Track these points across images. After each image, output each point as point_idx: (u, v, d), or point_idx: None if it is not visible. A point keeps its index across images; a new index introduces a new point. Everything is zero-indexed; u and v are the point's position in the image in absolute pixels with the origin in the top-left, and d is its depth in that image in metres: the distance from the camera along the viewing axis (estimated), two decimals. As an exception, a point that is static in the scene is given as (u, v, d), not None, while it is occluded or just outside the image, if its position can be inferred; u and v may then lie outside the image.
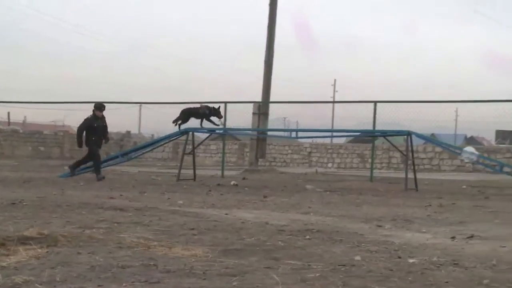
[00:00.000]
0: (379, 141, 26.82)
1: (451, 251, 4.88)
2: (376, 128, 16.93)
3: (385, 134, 15.04)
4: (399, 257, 4.55)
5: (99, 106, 14.89)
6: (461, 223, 6.98)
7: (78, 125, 14.87)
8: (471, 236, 5.77)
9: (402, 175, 13.98)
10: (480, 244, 5.32)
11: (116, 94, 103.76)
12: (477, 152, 13.01)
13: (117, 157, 16.57)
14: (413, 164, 13.92)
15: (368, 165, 26.33)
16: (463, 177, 19.69)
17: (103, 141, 14.82)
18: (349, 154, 31.49)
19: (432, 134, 30.91)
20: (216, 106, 15.81)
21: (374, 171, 18.10)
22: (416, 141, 16.61)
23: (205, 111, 15.55)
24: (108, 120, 14.81)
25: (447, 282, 3.74)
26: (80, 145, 14.71)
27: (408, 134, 13.47)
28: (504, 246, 5.17)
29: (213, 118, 15.59)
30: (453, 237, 5.71)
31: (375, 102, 17.72)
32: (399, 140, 21.21)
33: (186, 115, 15.70)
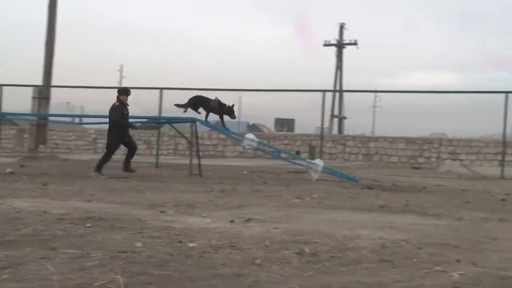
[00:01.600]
0: (166, 128, 27.08)
1: (229, 234, 5.14)
2: (163, 115, 17.08)
3: (170, 121, 15.22)
4: (180, 242, 4.68)
5: (126, 90, 12.78)
6: (240, 207, 7.36)
7: (114, 117, 12.42)
8: (249, 219, 6.12)
9: (187, 161, 14.28)
10: (256, 227, 5.67)
11: None
12: (257, 139, 13.77)
13: None
14: (198, 150, 14.30)
15: (154, 152, 26.47)
16: (245, 163, 20.77)
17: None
18: (135, 141, 31.31)
19: (217, 122, 31.97)
20: (230, 104, 14.20)
21: (161, 157, 18.26)
22: (203, 128, 17.07)
23: (215, 106, 13.94)
24: None
25: (223, 264, 3.94)
26: (134, 126, 12.96)
27: (193, 121, 13.80)
28: (277, 228, 5.58)
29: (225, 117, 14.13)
30: (232, 221, 6.01)
31: (161, 89, 17.85)
32: (186, 127, 21.65)
33: (195, 103, 14.13)
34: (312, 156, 21.93)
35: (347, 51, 52.64)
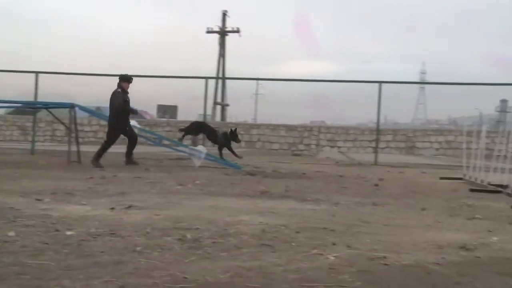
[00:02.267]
0: (43, 113, 25.92)
1: (109, 222, 5.03)
2: (39, 100, 16.33)
3: (47, 106, 14.59)
4: (57, 230, 4.52)
5: (128, 78, 12.36)
6: (121, 194, 7.22)
7: (117, 103, 12.05)
8: (130, 206, 6.02)
9: (66, 148, 13.76)
10: (137, 214, 5.60)
11: None
12: (139, 126, 13.55)
13: None
14: (77, 137, 13.83)
15: (30, 138, 25.28)
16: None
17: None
18: (9, 126, 29.70)
19: (98, 108, 31.02)
20: (232, 128, 13.69)
21: (37, 144, 17.45)
22: (82, 114, 16.52)
23: (221, 137, 13.41)
24: None
25: (103, 251, 3.85)
26: (134, 112, 12.56)
27: (72, 106, 13.30)
28: (159, 215, 5.54)
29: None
30: (112, 208, 5.88)
31: (37, 73, 17.04)
32: (65, 113, 20.82)
33: (197, 128, 13.86)
34: (194, 143, 21.91)
35: (230, 38, 52.91)
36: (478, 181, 10.31)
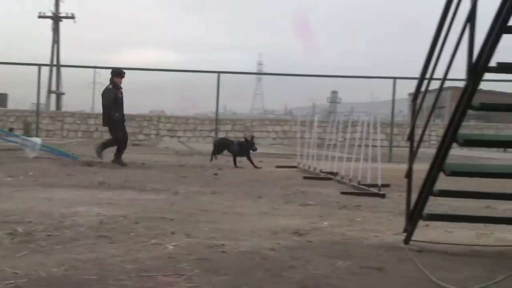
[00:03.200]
0: None
1: None
2: None
3: None
4: None
5: (120, 72, 11.42)
6: None
7: (104, 101, 11.24)
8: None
9: None
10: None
11: None
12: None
13: None
14: None
15: None
16: None
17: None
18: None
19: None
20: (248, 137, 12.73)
21: None
22: None
23: (237, 147, 12.15)
24: None
25: None
26: (107, 123, 11.34)
27: None
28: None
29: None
30: None
31: None
32: None
33: (219, 146, 12.56)
34: (27, 133, 20.73)
35: (64, 24, 50.61)
36: (311, 169, 10.89)
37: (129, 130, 28.30)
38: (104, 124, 11.64)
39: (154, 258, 3.62)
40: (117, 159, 11.15)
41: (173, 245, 3.99)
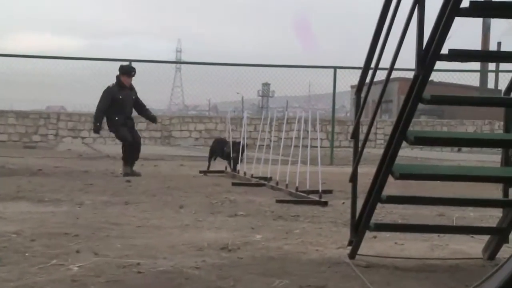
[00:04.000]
0: None
1: None
2: None
3: None
4: None
5: (128, 70, 11.61)
6: None
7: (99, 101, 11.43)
8: None
9: None
10: None
11: None
12: None
13: None
14: None
15: None
16: None
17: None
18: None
19: None
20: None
21: None
22: None
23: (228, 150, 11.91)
24: None
25: None
26: (97, 130, 11.59)
27: None
28: None
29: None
30: None
31: None
32: None
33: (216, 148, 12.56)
34: None
35: None
36: (241, 174, 10.95)
37: (21, 129, 27.55)
38: (110, 130, 11.88)
39: (55, 282, 3.56)
40: (127, 169, 11.13)
41: (78, 266, 3.93)
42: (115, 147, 21.26)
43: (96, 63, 21.30)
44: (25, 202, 7.03)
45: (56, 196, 7.57)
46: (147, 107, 12.27)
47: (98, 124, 11.44)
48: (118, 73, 11.51)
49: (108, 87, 11.42)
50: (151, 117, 12.16)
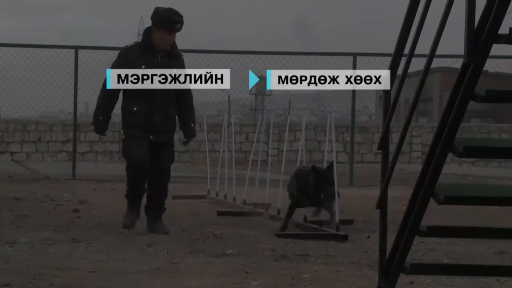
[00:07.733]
0: None
1: None
2: None
3: None
4: None
5: (168, 18, 8.24)
6: None
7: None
8: None
9: None
10: None
11: None
12: None
13: None
14: None
15: None
16: None
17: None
18: None
19: None
20: None
21: None
22: None
23: None
24: None
25: None
26: (100, 128, 8.59)
27: None
28: None
29: None
30: None
31: None
32: None
33: None
34: None
35: None
36: (229, 200, 10.91)
37: None
38: (98, 129, 8.96)
39: None
40: (128, 217, 8.36)
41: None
42: (58, 166, 21.21)
43: (28, 51, 21.19)
44: None
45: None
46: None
47: (100, 118, 8.68)
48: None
49: (126, 48, 8.73)
50: (186, 129, 8.82)
